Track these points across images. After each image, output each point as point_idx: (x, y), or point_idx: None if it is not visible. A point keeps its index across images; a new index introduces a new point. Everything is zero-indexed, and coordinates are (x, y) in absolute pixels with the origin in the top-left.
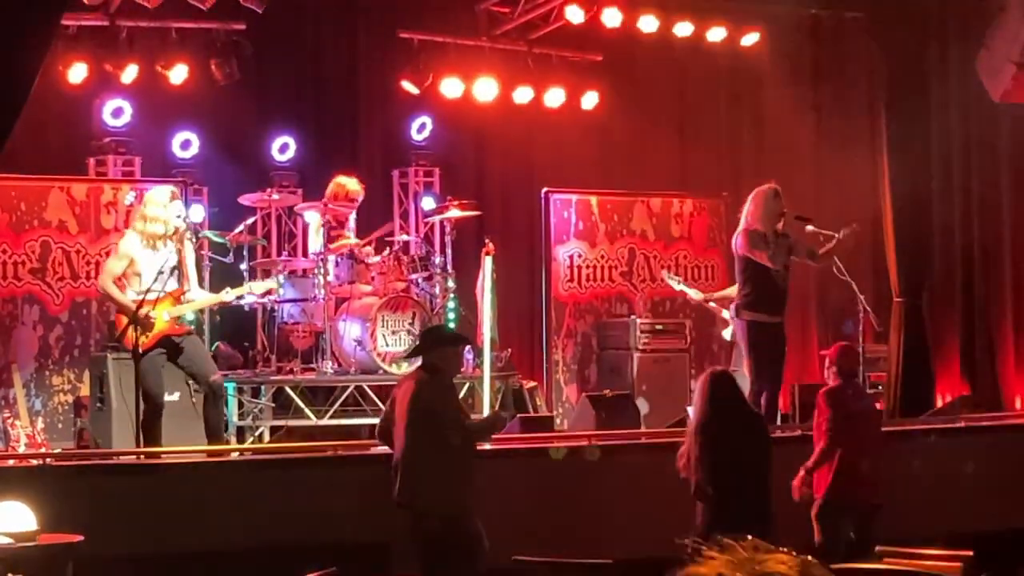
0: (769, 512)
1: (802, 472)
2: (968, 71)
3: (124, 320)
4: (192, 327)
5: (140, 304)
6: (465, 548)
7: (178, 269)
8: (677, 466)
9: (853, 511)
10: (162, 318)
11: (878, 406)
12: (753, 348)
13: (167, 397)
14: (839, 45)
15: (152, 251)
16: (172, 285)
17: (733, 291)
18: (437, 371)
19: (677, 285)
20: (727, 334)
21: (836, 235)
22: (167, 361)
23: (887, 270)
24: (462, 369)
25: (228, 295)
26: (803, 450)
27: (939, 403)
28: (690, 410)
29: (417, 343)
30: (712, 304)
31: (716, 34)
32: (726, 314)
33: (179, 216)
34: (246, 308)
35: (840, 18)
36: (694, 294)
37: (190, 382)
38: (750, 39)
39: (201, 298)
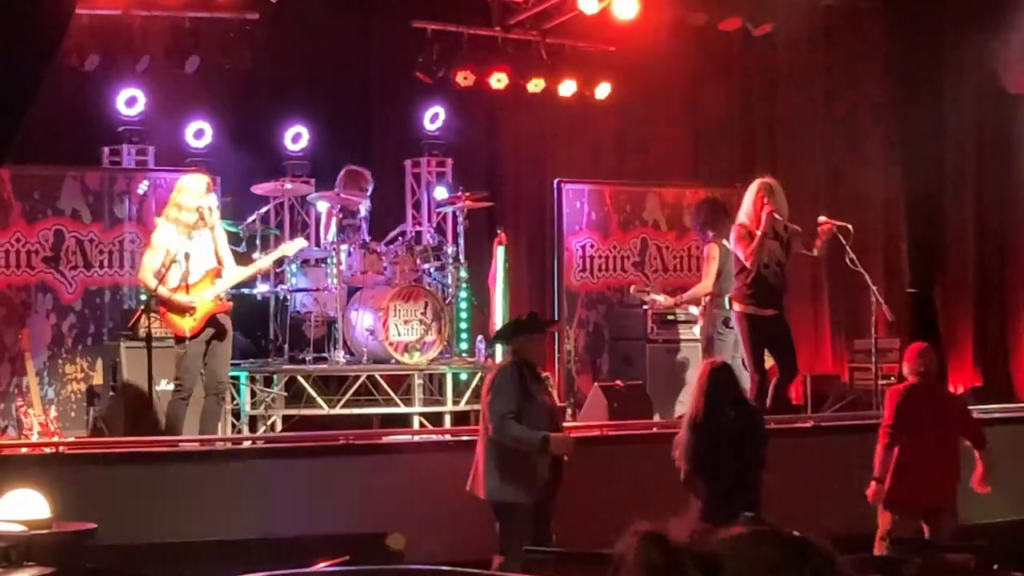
0: (758, 505)
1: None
2: (983, 62)
3: (170, 312)
4: (231, 304)
5: (184, 290)
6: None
7: (215, 250)
8: (673, 455)
9: (917, 509)
10: (204, 299)
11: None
12: (746, 339)
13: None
14: (853, 36)
15: (187, 239)
16: (208, 265)
17: (700, 288)
18: (512, 360)
19: (647, 297)
20: (696, 331)
21: (813, 252)
22: (207, 348)
23: (900, 261)
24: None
25: (266, 260)
26: (815, 442)
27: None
28: (679, 404)
29: (499, 334)
30: (684, 304)
31: (729, 24)
32: (694, 310)
33: (211, 207)
34: (259, 297)
35: (854, 9)
36: (663, 300)
37: (202, 372)
38: (764, 30)
39: (238, 272)
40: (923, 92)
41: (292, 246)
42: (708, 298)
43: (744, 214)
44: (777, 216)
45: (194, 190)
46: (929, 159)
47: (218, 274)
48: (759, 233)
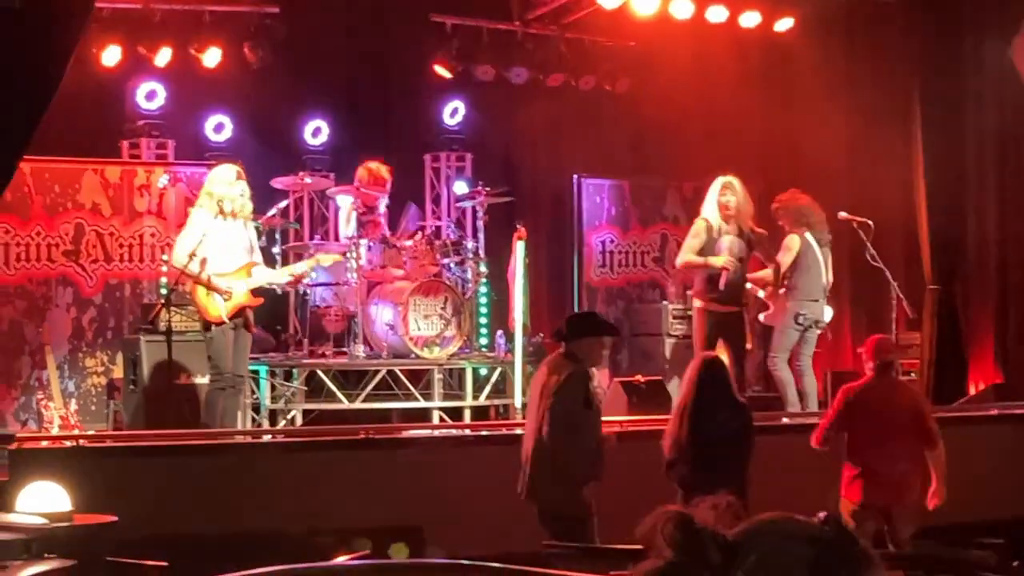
0: (744, 498)
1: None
2: (1004, 57)
3: (202, 296)
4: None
5: (218, 276)
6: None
7: (249, 245)
8: (663, 445)
9: (873, 509)
10: (238, 290)
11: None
12: (699, 334)
13: (199, 380)
14: (873, 31)
15: (222, 226)
16: (244, 259)
17: (766, 273)
18: (576, 361)
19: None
20: (762, 316)
21: (769, 267)
22: (235, 337)
23: (920, 257)
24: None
25: (301, 266)
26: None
27: (972, 391)
28: (672, 387)
29: (562, 329)
30: (749, 285)
31: (749, 19)
32: (761, 294)
33: (243, 194)
34: (278, 291)
35: (874, 3)
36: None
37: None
38: (784, 24)
39: (270, 272)
40: (944, 87)
41: (327, 257)
42: (784, 290)
43: (705, 210)
44: (731, 212)
45: (223, 178)
46: (950, 154)
47: (252, 269)
48: (711, 226)
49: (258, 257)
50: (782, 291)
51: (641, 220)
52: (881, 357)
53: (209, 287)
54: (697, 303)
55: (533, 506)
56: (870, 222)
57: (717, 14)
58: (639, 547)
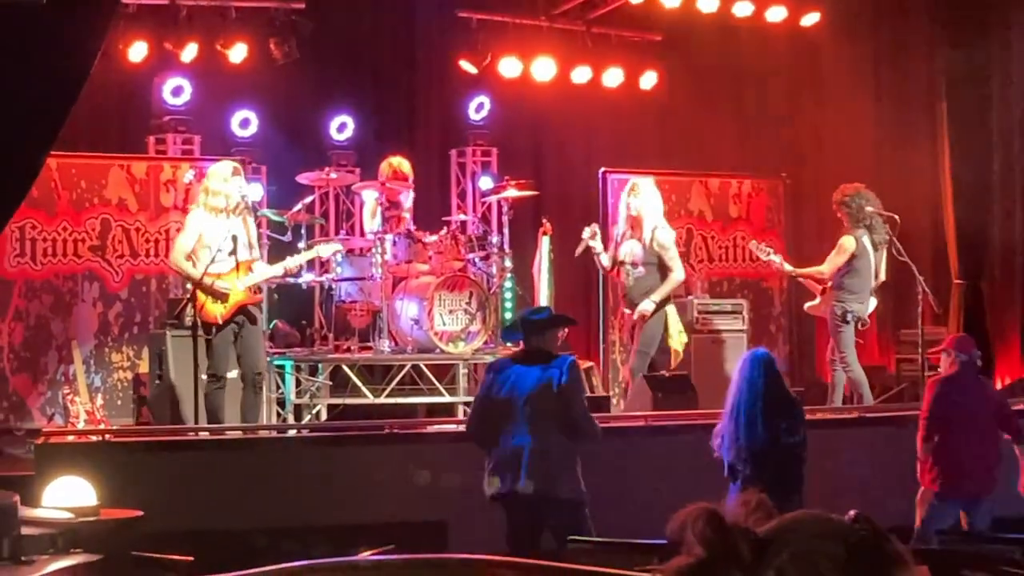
0: (800, 497)
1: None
2: None
3: (201, 296)
4: (263, 296)
5: (214, 276)
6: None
7: (246, 241)
8: (712, 444)
9: (956, 500)
10: (237, 288)
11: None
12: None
13: (227, 375)
14: (900, 25)
15: (217, 224)
16: (242, 256)
17: (815, 269)
18: (557, 355)
19: (766, 256)
20: (807, 306)
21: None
22: (235, 337)
23: (947, 252)
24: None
25: (297, 259)
26: (860, 432)
27: (998, 385)
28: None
29: (521, 326)
30: (801, 275)
31: (776, 14)
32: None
33: (240, 189)
34: (303, 287)
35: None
36: (779, 262)
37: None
38: (810, 19)
39: (268, 269)
40: (971, 82)
41: (327, 248)
42: (830, 287)
43: (621, 214)
44: (635, 215)
45: (220, 174)
46: (977, 149)
47: (250, 266)
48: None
49: (258, 252)
50: (828, 287)
51: (666, 215)
52: (966, 352)
53: (206, 290)
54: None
55: (539, 496)
56: (896, 217)
57: (743, 8)
58: (663, 541)
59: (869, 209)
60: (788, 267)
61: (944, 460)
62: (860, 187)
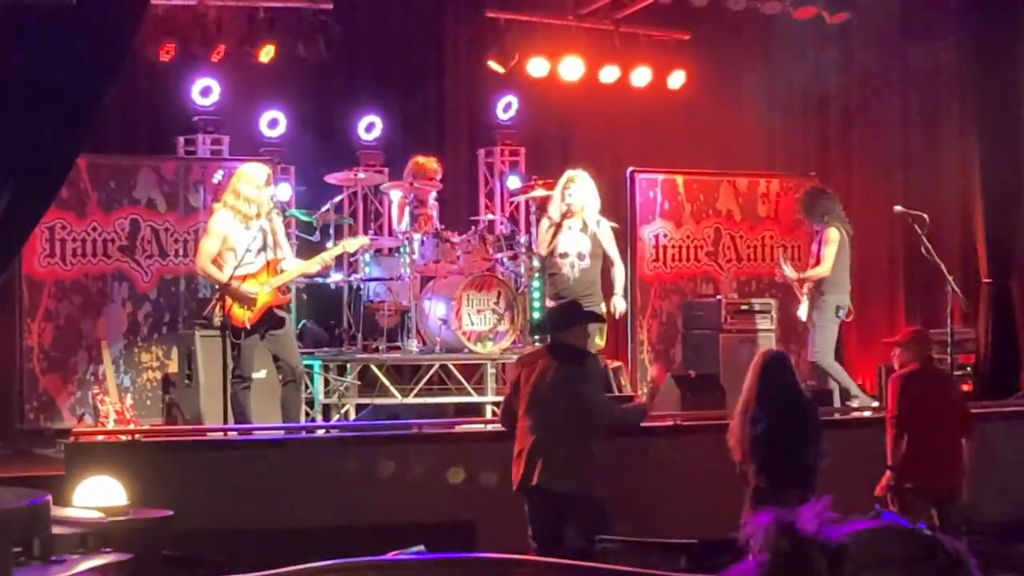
0: (812, 498)
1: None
2: None
3: (228, 300)
4: (291, 295)
5: (241, 279)
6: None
7: (272, 240)
8: (729, 444)
9: (929, 496)
10: (264, 291)
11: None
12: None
13: (253, 375)
14: (929, 24)
15: (244, 228)
16: (268, 256)
17: (821, 270)
18: (579, 351)
19: (791, 273)
20: (802, 312)
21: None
22: (262, 339)
23: (976, 251)
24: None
25: (324, 257)
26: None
27: None
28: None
29: (548, 321)
30: (806, 280)
31: (805, 12)
32: (805, 304)
33: (273, 198)
34: (332, 287)
35: None
36: (788, 271)
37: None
38: (839, 18)
39: (298, 264)
40: (1000, 79)
41: (354, 243)
42: (815, 283)
43: (552, 205)
44: (572, 205)
45: (254, 180)
46: (1006, 147)
47: (278, 266)
48: (553, 223)
49: (287, 249)
50: (810, 285)
51: (694, 214)
52: (926, 346)
53: (233, 294)
54: (547, 302)
55: (557, 490)
56: (925, 216)
57: (772, 7)
58: (691, 541)
59: (835, 201)
60: (794, 273)
61: (913, 457)
62: (817, 184)
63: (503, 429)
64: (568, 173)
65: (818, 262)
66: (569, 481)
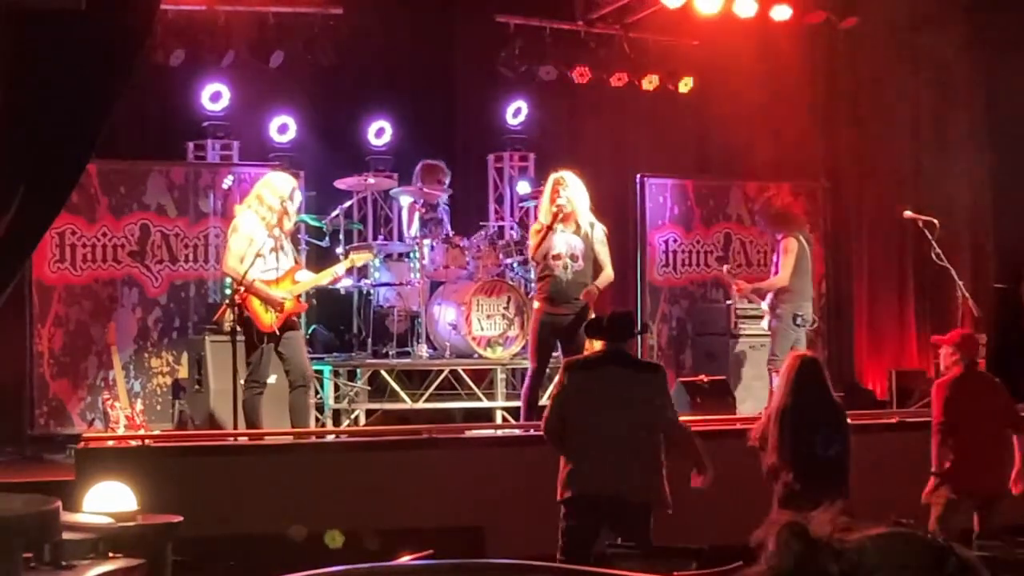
0: (844, 499)
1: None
2: None
3: (254, 303)
4: (307, 305)
5: (265, 284)
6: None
7: (290, 247)
8: (751, 436)
9: (974, 499)
10: (288, 297)
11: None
12: (533, 333)
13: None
14: (939, 29)
15: (265, 233)
16: (284, 265)
17: (776, 280)
18: (649, 362)
19: (730, 278)
20: (764, 325)
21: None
22: (278, 344)
23: (986, 256)
24: None
25: (336, 270)
26: (899, 437)
27: None
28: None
29: (616, 329)
30: (758, 292)
31: (815, 17)
32: (764, 305)
33: (296, 211)
34: (342, 292)
35: (941, 1)
36: (743, 284)
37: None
38: (849, 22)
39: (311, 277)
40: (1011, 85)
41: (362, 257)
42: (775, 293)
43: (541, 209)
44: (564, 207)
45: (279, 189)
46: (1017, 152)
47: (295, 274)
48: (544, 226)
49: (295, 260)
50: (771, 295)
51: (704, 220)
52: (971, 351)
53: (262, 297)
54: (535, 304)
55: (625, 503)
56: (935, 221)
57: (781, 12)
58: (699, 547)
59: (793, 212)
60: (746, 286)
61: (959, 459)
62: (772, 197)
63: (516, 435)
64: (554, 175)
65: (776, 272)
66: (644, 493)
